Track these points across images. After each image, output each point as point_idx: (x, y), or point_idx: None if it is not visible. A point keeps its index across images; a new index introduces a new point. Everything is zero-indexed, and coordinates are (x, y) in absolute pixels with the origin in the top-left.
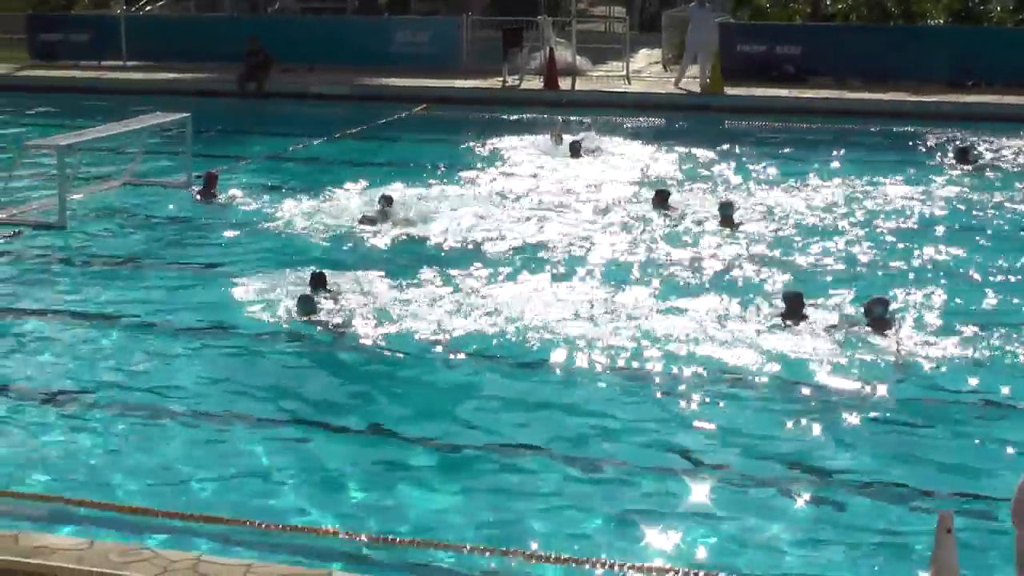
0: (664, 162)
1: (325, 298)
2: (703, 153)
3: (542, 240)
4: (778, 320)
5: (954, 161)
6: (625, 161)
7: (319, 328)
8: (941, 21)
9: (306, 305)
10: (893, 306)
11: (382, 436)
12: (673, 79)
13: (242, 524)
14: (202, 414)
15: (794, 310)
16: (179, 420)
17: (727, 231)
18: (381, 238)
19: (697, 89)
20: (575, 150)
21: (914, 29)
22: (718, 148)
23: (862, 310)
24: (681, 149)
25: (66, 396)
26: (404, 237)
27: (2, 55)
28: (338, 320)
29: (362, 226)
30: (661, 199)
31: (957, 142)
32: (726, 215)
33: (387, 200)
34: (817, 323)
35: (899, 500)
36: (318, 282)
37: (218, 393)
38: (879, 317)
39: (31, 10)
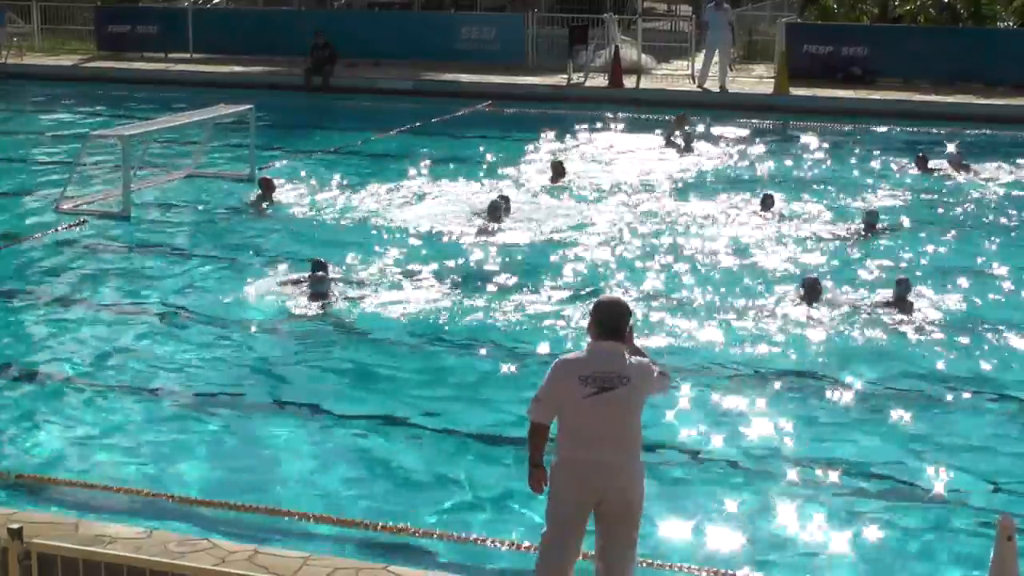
0: (726, 161)
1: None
2: (763, 154)
3: (605, 239)
4: (799, 304)
5: (916, 168)
6: (687, 160)
7: (375, 324)
8: (1012, 24)
9: (318, 286)
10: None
11: (448, 433)
12: (741, 78)
13: (298, 517)
14: (258, 407)
15: (812, 295)
16: (237, 413)
17: (868, 237)
18: (449, 235)
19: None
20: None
21: (984, 32)
22: (780, 148)
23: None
24: (744, 149)
25: (123, 386)
26: (472, 236)
27: (70, 46)
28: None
29: (478, 221)
30: (766, 204)
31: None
32: (870, 222)
33: (504, 200)
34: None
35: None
36: (318, 269)
37: (275, 387)
38: (900, 297)
39: (100, 2)
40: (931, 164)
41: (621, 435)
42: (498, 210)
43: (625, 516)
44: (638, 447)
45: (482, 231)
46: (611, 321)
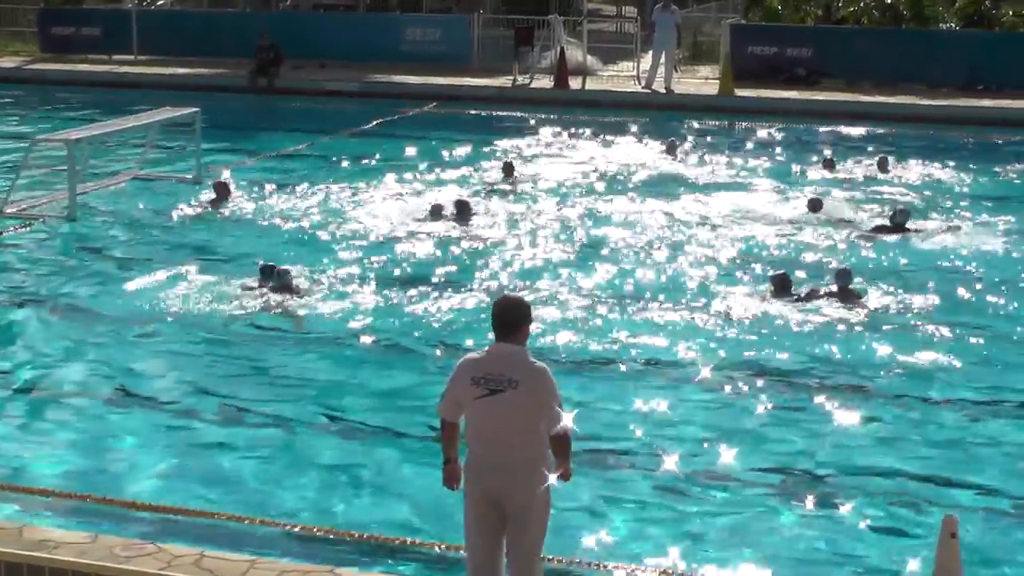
0: (669, 161)
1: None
2: (710, 153)
3: (548, 241)
4: (767, 298)
5: (823, 169)
6: (624, 160)
7: (320, 324)
8: (953, 25)
9: (271, 276)
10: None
11: (389, 434)
12: (686, 79)
13: (245, 520)
14: (209, 411)
15: (782, 289)
16: (185, 417)
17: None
18: (388, 237)
19: (662, 90)
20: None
21: (925, 33)
22: (727, 148)
23: (831, 279)
24: (689, 149)
25: (69, 390)
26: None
27: (13, 48)
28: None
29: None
30: (814, 207)
31: (826, 153)
32: (898, 223)
33: (452, 202)
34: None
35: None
36: (268, 274)
37: (225, 390)
38: (843, 288)
39: (43, 3)
40: (839, 166)
41: (512, 437)
42: (440, 212)
43: (523, 519)
44: (534, 450)
45: (431, 232)
46: (504, 321)
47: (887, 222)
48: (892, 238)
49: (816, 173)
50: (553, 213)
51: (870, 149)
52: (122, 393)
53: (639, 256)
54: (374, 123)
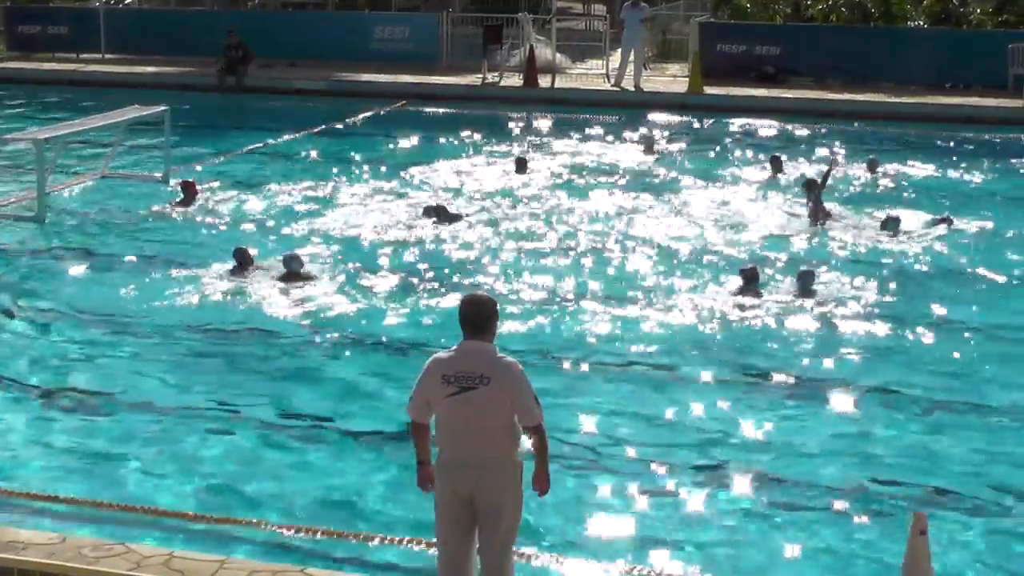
0: (639, 160)
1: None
2: (679, 151)
3: (514, 239)
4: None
5: (771, 170)
6: (593, 159)
7: (289, 322)
8: (922, 23)
9: (248, 262)
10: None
11: (359, 435)
12: (656, 77)
13: (214, 520)
14: (173, 409)
15: (749, 284)
16: (149, 415)
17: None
18: (361, 234)
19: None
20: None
21: (894, 31)
22: (694, 147)
23: (794, 280)
24: (665, 146)
25: (35, 391)
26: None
27: None
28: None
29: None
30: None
31: (773, 153)
32: (891, 230)
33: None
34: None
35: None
36: (242, 258)
37: (191, 389)
38: (806, 287)
39: (9, 1)
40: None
41: (483, 434)
42: (428, 214)
43: (494, 516)
44: (506, 447)
45: (405, 231)
46: (473, 320)
47: (877, 227)
48: (878, 241)
49: (763, 173)
50: (535, 210)
51: (832, 146)
52: (93, 393)
53: (611, 252)
54: (342, 122)
